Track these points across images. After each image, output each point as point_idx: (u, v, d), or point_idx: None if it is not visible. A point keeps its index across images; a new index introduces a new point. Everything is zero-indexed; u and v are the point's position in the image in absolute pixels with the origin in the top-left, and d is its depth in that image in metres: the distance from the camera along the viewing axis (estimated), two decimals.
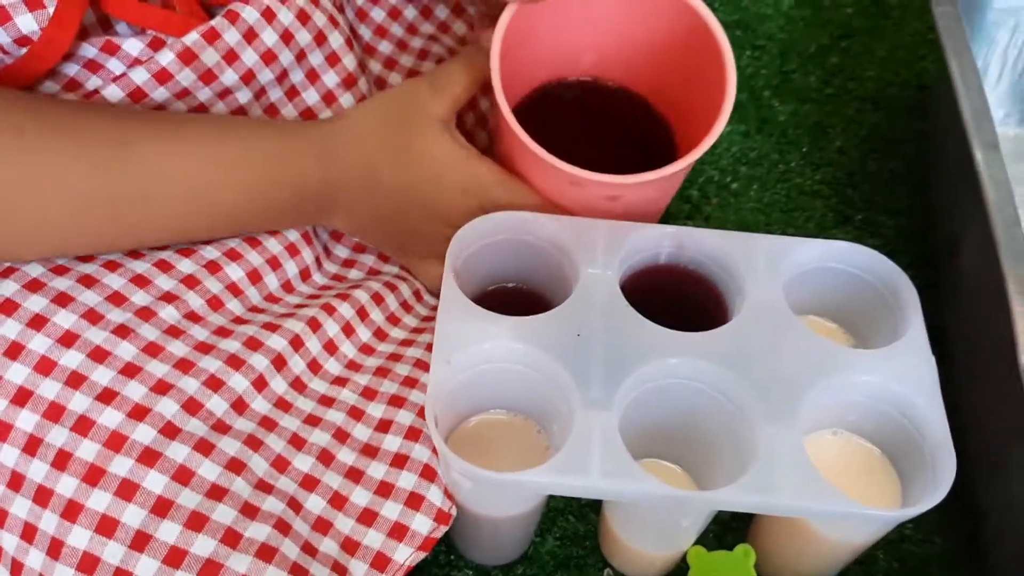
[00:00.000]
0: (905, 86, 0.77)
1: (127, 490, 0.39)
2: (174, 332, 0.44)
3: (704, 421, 0.48)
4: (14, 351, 0.40)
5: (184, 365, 0.43)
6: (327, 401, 0.47)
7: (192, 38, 0.45)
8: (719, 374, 0.46)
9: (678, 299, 0.54)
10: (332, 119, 0.51)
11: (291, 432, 0.45)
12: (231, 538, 0.39)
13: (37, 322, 0.41)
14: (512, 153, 0.51)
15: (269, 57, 0.49)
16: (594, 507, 0.56)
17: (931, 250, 0.67)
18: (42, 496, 0.39)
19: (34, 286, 0.42)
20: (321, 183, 0.49)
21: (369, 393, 0.48)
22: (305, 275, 0.52)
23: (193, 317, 0.45)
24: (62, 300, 0.42)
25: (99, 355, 0.41)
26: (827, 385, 0.46)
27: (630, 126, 0.58)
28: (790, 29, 0.81)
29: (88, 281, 0.43)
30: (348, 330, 0.50)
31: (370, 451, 0.45)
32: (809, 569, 0.52)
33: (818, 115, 0.75)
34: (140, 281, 0.45)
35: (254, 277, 0.49)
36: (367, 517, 0.44)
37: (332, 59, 0.53)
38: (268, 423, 0.45)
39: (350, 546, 0.43)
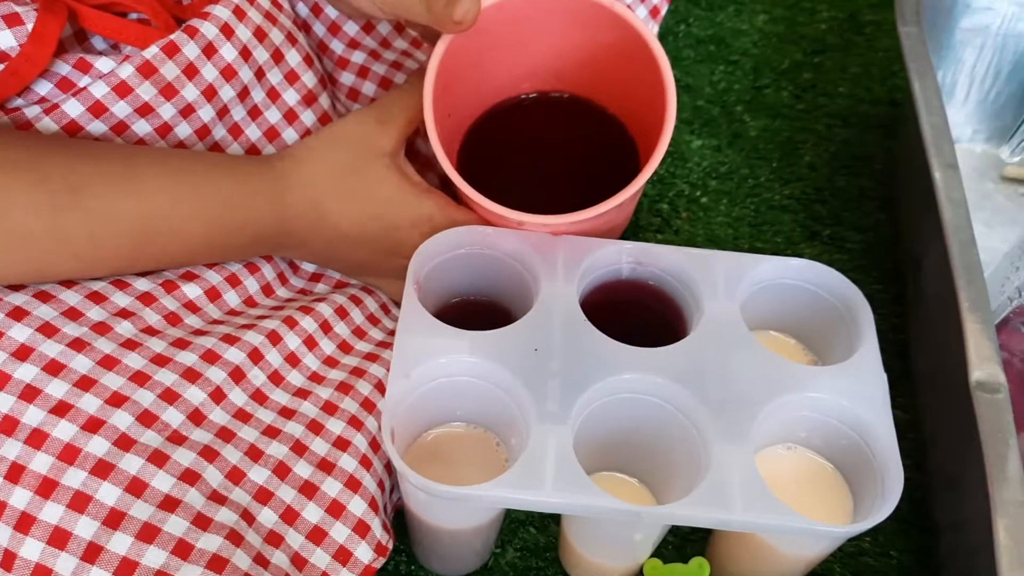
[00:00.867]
0: (876, 103, 0.78)
1: (80, 502, 0.40)
2: (130, 345, 0.44)
3: (660, 435, 0.48)
4: None
5: (140, 377, 0.43)
6: (288, 413, 0.48)
7: (152, 51, 0.46)
8: (673, 389, 0.47)
9: (641, 314, 0.55)
10: (283, 156, 0.50)
11: (249, 443, 0.45)
12: (182, 549, 0.40)
13: None
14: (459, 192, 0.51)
15: (229, 73, 0.49)
16: (555, 518, 0.56)
17: (898, 266, 0.68)
18: None
19: None
20: (275, 223, 0.49)
21: (330, 408, 0.48)
22: (268, 291, 0.53)
23: (150, 331, 0.46)
24: (17, 314, 0.42)
25: (54, 368, 0.41)
26: (780, 401, 0.47)
27: (590, 133, 0.57)
28: (764, 45, 0.81)
29: (44, 297, 0.43)
30: (311, 343, 0.51)
31: (327, 466, 0.46)
32: None
33: (789, 130, 0.76)
34: (96, 298, 0.45)
35: (213, 295, 0.49)
36: (317, 535, 0.44)
37: (291, 76, 0.53)
38: (226, 434, 0.45)
39: (299, 561, 0.44)
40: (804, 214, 0.71)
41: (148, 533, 0.40)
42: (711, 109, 0.77)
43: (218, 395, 0.45)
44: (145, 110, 0.47)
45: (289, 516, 0.44)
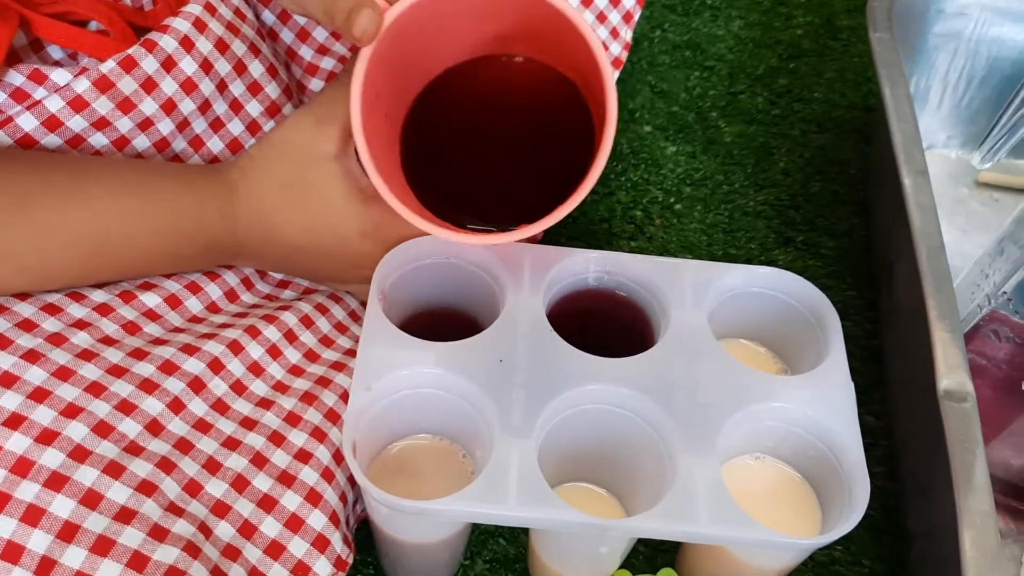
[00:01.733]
0: (851, 108, 0.78)
1: (33, 516, 0.39)
2: (87, 355, 0.43)
3: (626, 446, 0.48)
4: None
5: (96, 388, 0.42)
6: (250, 423, 0.47)
7: (108, 66, 0.45)
8: (639, 400, 0.46)
9: (609, 323, 0.54)
10: (231, 167, 0.50)
11: (208, 455, 0.44)
12: (138, 562, 0.39)
13: None
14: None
15: (189, 86, 0.49)
16: (525, 530, 0.56)
17: (872, 272, 0.68)
18: None
19: None
20: (227, 234, 0.48)
21: (293, 419, 0.48)
22: (232, 296, 0.52)
23: (108, 341, 0.45)
24: None
25: (7, 380, 0.41)
26: (747, 411, 0.46)
27: (537, 95, 0.52)
28: (739, 50, 0.81)
29: None
30: (275, 352, 0.50)
31: (287, 479, 0.45)
32: None
33: (764, 136, 0.76)
34: (51, 309, 0.44)
35: (173, 302, 0.49)
36: (275, 549, 0.44)
37: (254, 88, 0.53)
38: (184, 444, 0.44)
39: (256, 575, 0.43)
40: (778, 220, 0.71)
41: (103, 546, 0.39)
42: (686, 115, 0.76)
43: (177, 405, 0.45)
44: (102, 124, 0.46)
45: (247, 530, 0.44)
